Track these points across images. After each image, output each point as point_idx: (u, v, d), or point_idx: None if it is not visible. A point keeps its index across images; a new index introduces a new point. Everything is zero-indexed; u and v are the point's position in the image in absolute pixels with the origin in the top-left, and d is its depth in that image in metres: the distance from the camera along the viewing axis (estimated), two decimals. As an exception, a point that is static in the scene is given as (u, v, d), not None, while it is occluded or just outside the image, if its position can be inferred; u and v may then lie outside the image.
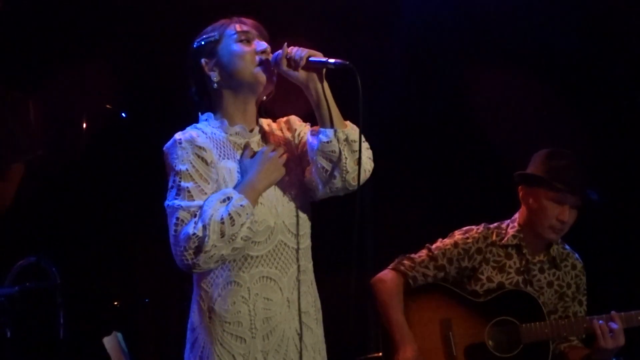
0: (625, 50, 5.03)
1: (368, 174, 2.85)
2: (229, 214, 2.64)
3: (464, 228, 4.17)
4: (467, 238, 4.10)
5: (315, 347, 2.86)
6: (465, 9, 5.21)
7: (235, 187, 2.76)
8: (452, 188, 5.43)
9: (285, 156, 2.84)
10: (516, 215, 4.15)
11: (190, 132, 2.80)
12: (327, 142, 2.77)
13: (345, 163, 2.78)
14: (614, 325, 3.88)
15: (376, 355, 4.31)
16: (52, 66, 4.91)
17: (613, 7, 4.96)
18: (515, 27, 5.18)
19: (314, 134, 2.82)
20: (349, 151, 2.78)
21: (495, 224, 4.17)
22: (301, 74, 2.79)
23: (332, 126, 2.78)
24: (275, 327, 2.77)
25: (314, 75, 2.79)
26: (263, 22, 2.96)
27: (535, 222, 4.03)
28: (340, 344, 3.06)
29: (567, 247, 4.17)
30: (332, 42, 5.21)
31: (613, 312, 3.92)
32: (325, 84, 2.80)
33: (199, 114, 2.92)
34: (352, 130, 2.80)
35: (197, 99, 2.92)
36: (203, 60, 2.86)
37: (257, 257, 2.77)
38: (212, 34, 2.87)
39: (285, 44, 2.81)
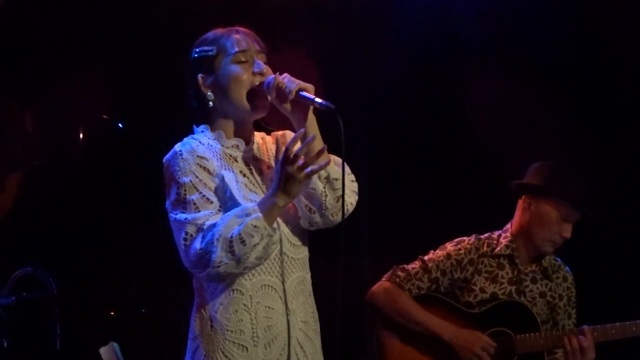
0: (620, 53, 5.05)
1: (351, 208, 2.86)
2: (239, 234, 2.62)
3: (455, 240, 4.18)
4: (459, 249, 4.11)
5: (315, 358, 2.87)
6: (461, 14, 5.23)
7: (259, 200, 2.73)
8: (446, 196, 5.45)
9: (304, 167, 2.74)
10: (508, 226, 4.16)
11: (189, 142, 2.80)
12: None
13: (325, 200, 2.78)
14: (583, 341, 3.91)
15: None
16: (49, 76, 4.92)
17: (607, 10, 4.98)
18: (510, 33, 5.20)
19: None
20: (330, 189, 2.78)
21: (486, 235, 4.18)
22: (288, 106, 2.78)
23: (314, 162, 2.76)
24: (277, 336, 2.77)
25: (301, 110, 2.78)
26: (261, 28, 2.96)
27: (536, 233, 4.04)
28: (336, 355, 3.07)
29: (558, 259, 4.18)
30: (329, 49, 5.28)
31: (584, 327, 3.96)
32: (312, 119, 2.79)
33: (194, 126, 2.93)
34: (334, 167, 2.79)
35: (196, 104, 2.90)
36: (200, 76, 2.85)
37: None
38: (210, 48, 2.84)
39: (277, 73, 2.79)
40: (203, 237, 2.65)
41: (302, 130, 2.75)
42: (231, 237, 2.62)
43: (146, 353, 4.89)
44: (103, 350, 4.19)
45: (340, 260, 2.74)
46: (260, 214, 2.65)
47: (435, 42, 5.37)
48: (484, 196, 5.22)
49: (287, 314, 2.80)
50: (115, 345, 4.24)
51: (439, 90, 5.40)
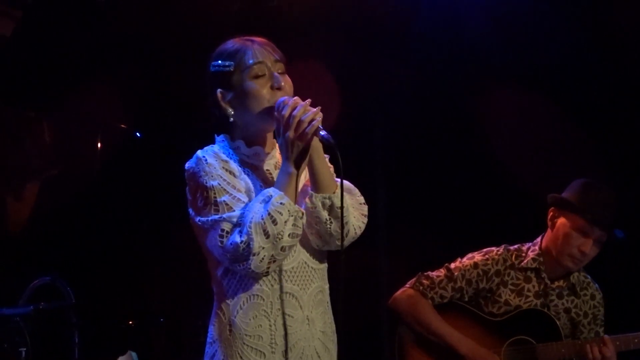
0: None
1: (359, 232, 2.85)
2: (269, 213, 2.64)
3: (484, 249, 4.15)
4: (487, 259, 4.09)
5: None
6: (479, 26, 5.23)
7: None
8: (465, 207, 5.43)
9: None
10: (538, 239, 4.13)
11: (211, 149, 2.81)
12: (312, 208, 2.77)
13: (330, 227, 2.78)
14: (606, 351, 3.90)
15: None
16: (67, 86, 4.93)
17: (628, 25, 4.96)
18: (528, 46, 5.19)
19: (303, 190, 2.82)
20: (334, 217, 2.78)
21: (516, 246, 4.15)
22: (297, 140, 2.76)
23: (319, 191, 2.77)
24: (295, 344, 2.76)
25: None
26: (277, 39, 2.95)
27: (557, 247, 4.01)
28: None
29: (588, 276, 4.15)
30: (347, 61, 5.28)
31: (606, 336, 3.94)
32: (318, 147, 2.78)
33: (215, 135, 2.92)
34: (338, 196, 2.77)
35: (216, 114, 2.90)
36: (219, 91, 2.83)
37: (280, 271, 2.77)
38: (227, 63, 2.82)
39: (295, 98, 2.76)
40: (240, 231, 2.65)
41: (295, 97, 2.75)
42: (262, 219, 2.63)
43: (164, 362, 4.88)
44: (121, 360, 4.19)
45: (340, 285, 2.74)
46: (280, 192, 2.68)
47: (452, 55, 5.37)
48: (498, 202, 5.21)
49: (307, 323, 2.79)
50: (134, 354, 4.24)
51: (456, 101, 5.39)
